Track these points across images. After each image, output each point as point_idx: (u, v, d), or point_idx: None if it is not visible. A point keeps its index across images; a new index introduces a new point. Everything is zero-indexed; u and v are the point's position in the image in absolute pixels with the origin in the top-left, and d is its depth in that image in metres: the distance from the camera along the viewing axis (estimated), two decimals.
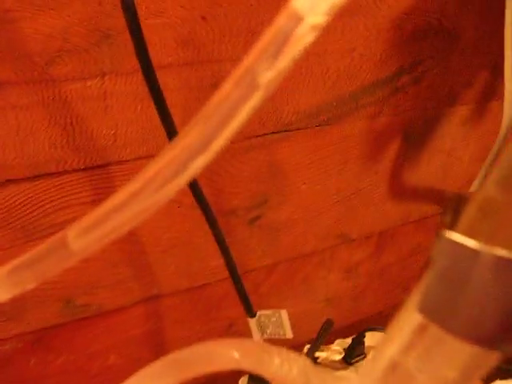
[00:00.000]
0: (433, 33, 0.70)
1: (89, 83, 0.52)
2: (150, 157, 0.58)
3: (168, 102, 0.50)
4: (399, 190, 0.81)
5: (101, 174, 0.57)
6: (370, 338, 0.85)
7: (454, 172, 0.87)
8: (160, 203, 0.24)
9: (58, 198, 0.56)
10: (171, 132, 0.53)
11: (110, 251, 0.61)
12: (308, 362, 0.29)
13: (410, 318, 0.24)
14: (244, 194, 0.66)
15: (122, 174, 0.58)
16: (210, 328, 0.75)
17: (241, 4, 0.55)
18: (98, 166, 0.56)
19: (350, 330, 0.83)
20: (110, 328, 0.67)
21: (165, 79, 0.54)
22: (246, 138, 0.63)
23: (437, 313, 0.23)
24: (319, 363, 0.78)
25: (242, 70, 0.20)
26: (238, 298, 0.66)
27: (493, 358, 0.23)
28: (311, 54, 0.62)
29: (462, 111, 0.80)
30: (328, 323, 0.70)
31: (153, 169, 0.22)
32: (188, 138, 0.20)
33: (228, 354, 0.29)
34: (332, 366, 0.80)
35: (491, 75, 0.79)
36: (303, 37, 0.19)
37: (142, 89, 0.53)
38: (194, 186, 0.57)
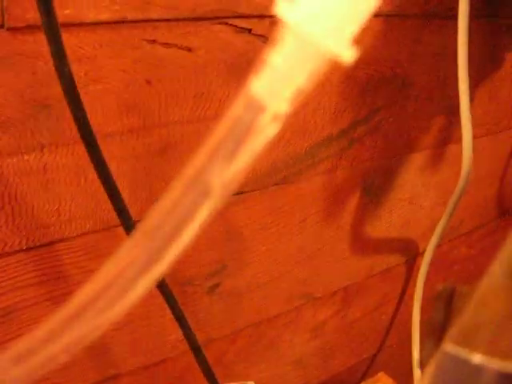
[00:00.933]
0: (386, 82, 0.69)
1: (26, 157, 0.48)
2: (96, 232, 0.54)
3: (114, 172, 0.47)
4: (362, 244, 0.79)
5: (45, 253, 0.52)
6: None
7: (416, 219, 0.85)
8: (104, 327, 0.20)
9: (2, 281, 0.51)
10: (118, 205, 0.49)
11: None
12: None
13: None
14: (200, 263, 0.63)
15: (67, 252, 0.53)
16: None
17: (186, 64, 0.52)
18: (42, 245, 0.52)
19: None
20: None
21: (109, 148, 0.51)
22: None
23: None
24: None
25: (192, 173, 0.16)
26: (201, 372, 0.62)
27: None
28: None
29: (420, 158, 0.79)
30: None
31: (92, 291, 0.18)
32: (132, 255, 0.17)
33: None
34: None
35: (447, 120, 0.79)
36: (265, 128, 0.15)
37: (85, 160, 0.49)
38: None
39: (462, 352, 0.18)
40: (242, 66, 0.55)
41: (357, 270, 0.81)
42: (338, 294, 0.81)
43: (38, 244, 0.51)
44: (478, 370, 0.18)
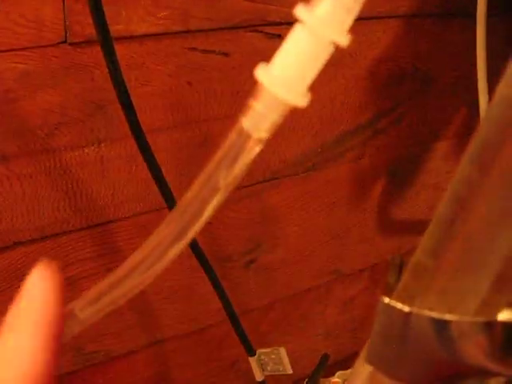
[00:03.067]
0: (408, 77, 0.75)
1: (86, 150, 0.56)
2: (146, 213, 0.62)
3: (160, 161, 0.55)
4: (388, 226, 0.85)
5: (101, 232, 0.61)
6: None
7: None
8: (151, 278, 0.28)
9: (64, 256, 0.60)
10: (164, 189, 0.57)
11: None
12: None
13: (363, 368, 0.28)
14: (238, 240, 0.70)
15: (121, 231, 0.62)
16: (213, 368, 0.78)
17: (223, 67, 0.60)
18: (99, 224, 0.60)
19: (349, 362, 0.86)
20: (119, 373, 0.71)
21: (156, 141, 0.59)
22: (236, 189, 0.67)
23: (381, 363, 0.27)
24: None
25: (206, 176, 0.24)
26: (238, 338, 0.70)
27: None
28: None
29: (444, 147, 0.84)
30: (324, 357, 0.73)
31: (139, 255, 0.26)
32: (167, 230, 0.25)
33: None
34: None
35: (470, 112, 0.84)
36: (252, 149, 0.23)
37: (136, 151, 0.57)
38: None
39: (394, 303, 0.25)
40: None
41: (384, 250, 0.87)
42: (365, 271, 0.87)
43: (96, 223, 0.60)
44: (406, 316, 0.25)
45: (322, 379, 0.81)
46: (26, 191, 0.55)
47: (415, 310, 0.24)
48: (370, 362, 0.27)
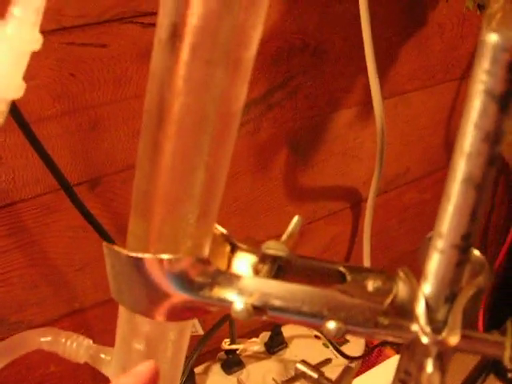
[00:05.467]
0: (298, 51, 0.80)
1: None
2: (46, 193, 0.68)
3: (55, 146, 0.62)
4: (298, 193, 0.91)
5: (8, 212, 0.67)
6: (290, 330, 0.95)
7: (352, 170, 0.97)
8: None
9: None
10: (56, 173, 0.64)
11: (30, 275, 0.72)
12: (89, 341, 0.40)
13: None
14: None
15: (25, 211, 0.68)
16: None
17: (103, 58, 0.66)
18: (6, 205, 0.67)
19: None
20: None
21: (48, 129, 0.65)
22: (131, 166, 0.73)
23: (120, 296, 0.33)
24: (239, 354, 0.88)
25: None
26: None
27: (169, 330, 0.34)
28: None
29: (346, 114, 0.90)
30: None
31: None
32: None
33: (35, 339, 0.40)
34: (255, 356, 0.91)
35: (367, 80, 0.89)
36: None
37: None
38: (87, 215, 0.68)
39: (117, 248, 0.32)
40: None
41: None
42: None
43: (2, 204, 0.67)
44: (126, 257, 0.31)
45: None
46: None
47: (131, 254, 0.31)
48: (114, 296, 0.34)
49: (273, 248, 0.33)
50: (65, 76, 0.64)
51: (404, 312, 0.29)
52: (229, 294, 0.30)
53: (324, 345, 0.93)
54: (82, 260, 0.75)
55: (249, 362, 0.89)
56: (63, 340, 0.41)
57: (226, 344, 0.85)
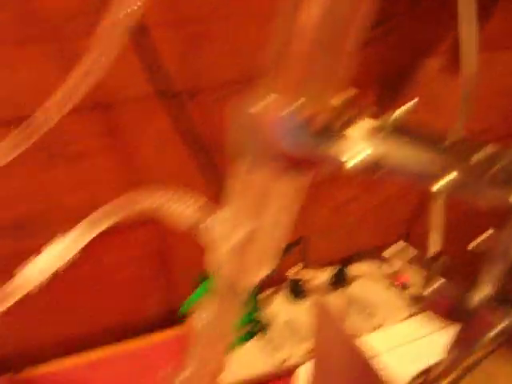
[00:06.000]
0: None
1: None
2: (147, 97, 0.72)
3: (162, 52, 0.66)
4: None
5: (106, 112, 0.71)
6: (358, 267, 0.97)
7: (433, 120, 0.97)
8: None
9: (75, 131, 0.71)
10: (161, 77, 0.67)
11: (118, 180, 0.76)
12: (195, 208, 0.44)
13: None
14: None
15: (124, 112, 0.72)
16: None
17: None
18: (104, 105, 0.71)
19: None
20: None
21: (159, 34, 0.68)
22: (230, 83, 0.76)
23: (240, 152, 0.36)
24: (306, 282, 0.91)
25: None
26: None
27: (280, 186, 0.36)
28: None
29: (436, 62, 0.91)
30: (305, 241, 0.83)
31: None
32: None
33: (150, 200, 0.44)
34: (320, 288, 0.93)
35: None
36: None
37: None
38: (184, 124, 0.71)
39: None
40: None
41: None
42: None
43: (101, 103, 0.70)
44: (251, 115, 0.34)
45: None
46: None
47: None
48: (234, 154, 0.36)
49: (389, 119, 0.35)
50: None
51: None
52: (347, 149, 0.32)
53: (389, 286, 0.95)
54: (167, 168, 0.78)
55: (314, 292, 0.92)
56: (171, 200, 0.45)
57: (295, 271, 0.88)
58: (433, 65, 0.91)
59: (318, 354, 0.58)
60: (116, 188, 0.75)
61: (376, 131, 0.35)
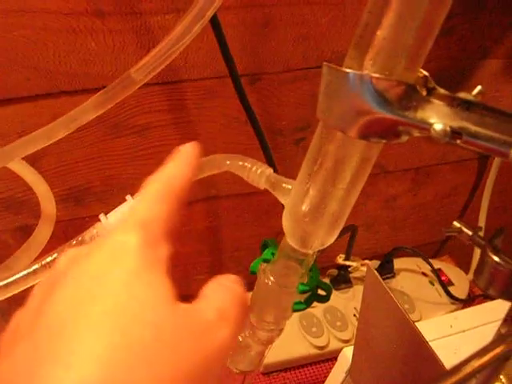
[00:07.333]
0: None
1: (167, 17, 0.69)
2: (212, 78, 0.74)
3: (228, 35, 0.67)
4: None
5: (174, 89, 0.74)
6: (400, 262, 0.98)
7: None
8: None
9: (142, 105, 0.74)
10: (228, 60, 0.69)
11: None
12: (271, 170, 0.45)
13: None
14: (290, 118, 0.82)
15: (189, 90, 0.75)
16: (259, 234, 0.91)
17: None
18: (172, 82, 0.73)
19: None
20: None
21: (226, 18, 0.70)
22: (290, 70, 0.78)
23: (325, 113, 0.38)
24: (350, 272, 0.92)
25: None
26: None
27: (358, 152, 0.38)
28: (348, 3, 0.76)
29: (494, 65, 0.91)
30: (354, 229, 0.84)
31: None
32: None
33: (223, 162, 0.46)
34: (364, 278, 0.95)
35: None
36: None
37: (208, 23, 0.69)
38: (247, 106, 0.73)
39: (334, 66, 0.36)
40: None
41: (428, 156, 0.96)
42: (409, 172, 0.97)
43: (169, 81, 0.73)
44: (344, 75, 0.36)
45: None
46: (115, 44, 0.68)
47: (350, 70, 0.35)
48: (318, 116, 0.38)
49: (465, 96, 0.37)
50: None
51: None
52: (430, 117, 0.34)
53: (430, 282, 0.96)
54: (226, 149, 0.81)
55: (356, 282, 0.93)
56: (249, 165, 0.47)
57: (340, 259, 0.90)
58: (491, 67, 0.92)
59: (364, 321, 0.60)
60: None
61: (457, 102, 0.36)
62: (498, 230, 0.40)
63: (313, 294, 0.55)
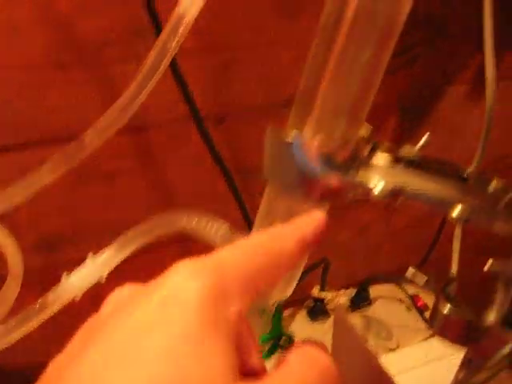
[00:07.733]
0: (422, 24, 0.84)
1: (128, 66, 0.69)
2: (176, 121, 0.75)
3: (190, 79, 0.68)
4: None
5: (139, 134, 0.74)
6: (376, 290, 0.99)
7: (456, 147, 1.00)
8: None
9: (110, 151, 0.74)
10: (190, 102, 0.70)
11: (147, 197, 0.79)
12: (227, 226, 0.46)
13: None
14: (258, 156, 0.82)
15: (155, 135, 0.75)
16: None
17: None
18: (136, 127, 0.74)
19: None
20: None
21: (187, 61, 0.70)
22: (254, 109, 0.79)
23: (272, 176, 0.38)
24: (326, 303, 0.93)
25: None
26: None
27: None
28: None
29: (458, 90, 0.93)
30: (326, 262, 0.85)
31: None
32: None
33: (179, 220, 0.47)
34: (338, 308, 0.95)
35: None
36: None
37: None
38: (211, 147, 0.74)
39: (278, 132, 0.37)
40: None
41: None
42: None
43: (134, 125, 0.74)
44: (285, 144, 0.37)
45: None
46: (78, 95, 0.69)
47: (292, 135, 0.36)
48: (266, 176, 0.39)
49: (407, 152, 0.38)
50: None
51: None
52: (371, 178, 0.35)
53: (407, 308, 0.96)
54: (195, 190, 0.81)
55: (333, 313, 0.94)
56: (204, 223, 0.47)
57: (316, 290, 0.90)
58: (456, 93, 0.93)
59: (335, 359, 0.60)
60: (147, 208, 0.78)
61: (398, 161, 0.37)
62: (450, 279, 0.41)
63: (276, 344, 0.55)
